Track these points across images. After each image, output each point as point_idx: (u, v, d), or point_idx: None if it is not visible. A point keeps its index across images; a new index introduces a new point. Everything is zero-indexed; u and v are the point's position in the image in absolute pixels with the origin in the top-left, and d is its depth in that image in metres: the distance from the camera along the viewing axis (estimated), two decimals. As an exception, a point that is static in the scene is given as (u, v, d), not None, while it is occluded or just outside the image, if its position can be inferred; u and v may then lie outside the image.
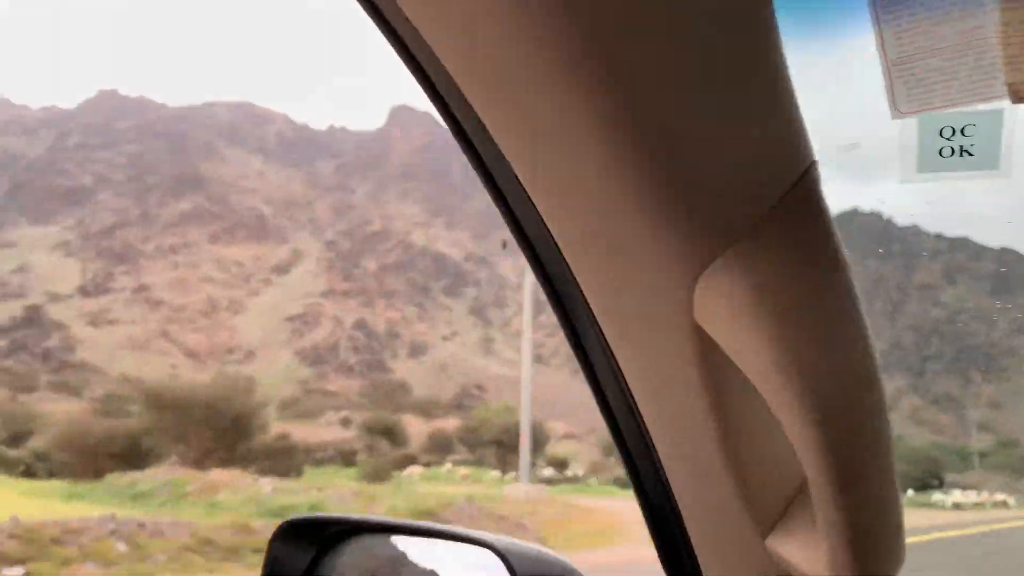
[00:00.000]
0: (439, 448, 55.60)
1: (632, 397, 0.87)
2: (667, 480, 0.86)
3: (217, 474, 21.90)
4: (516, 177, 0.75)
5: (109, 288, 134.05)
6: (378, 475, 33.72)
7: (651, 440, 0.88)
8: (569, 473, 50.74)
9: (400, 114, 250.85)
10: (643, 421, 0.88)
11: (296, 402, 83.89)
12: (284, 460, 37.10)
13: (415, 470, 44.22)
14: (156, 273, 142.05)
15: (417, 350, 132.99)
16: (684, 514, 0.85)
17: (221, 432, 33.69)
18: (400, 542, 1.30)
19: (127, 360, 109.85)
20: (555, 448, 62.71)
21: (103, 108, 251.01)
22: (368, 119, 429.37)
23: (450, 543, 1.20)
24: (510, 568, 0.96)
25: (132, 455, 28.08)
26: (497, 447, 47.73)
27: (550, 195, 0.75)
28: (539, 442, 48.09)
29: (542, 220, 0.77)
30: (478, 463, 49.95)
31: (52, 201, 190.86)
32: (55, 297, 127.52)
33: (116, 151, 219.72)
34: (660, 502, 0.88)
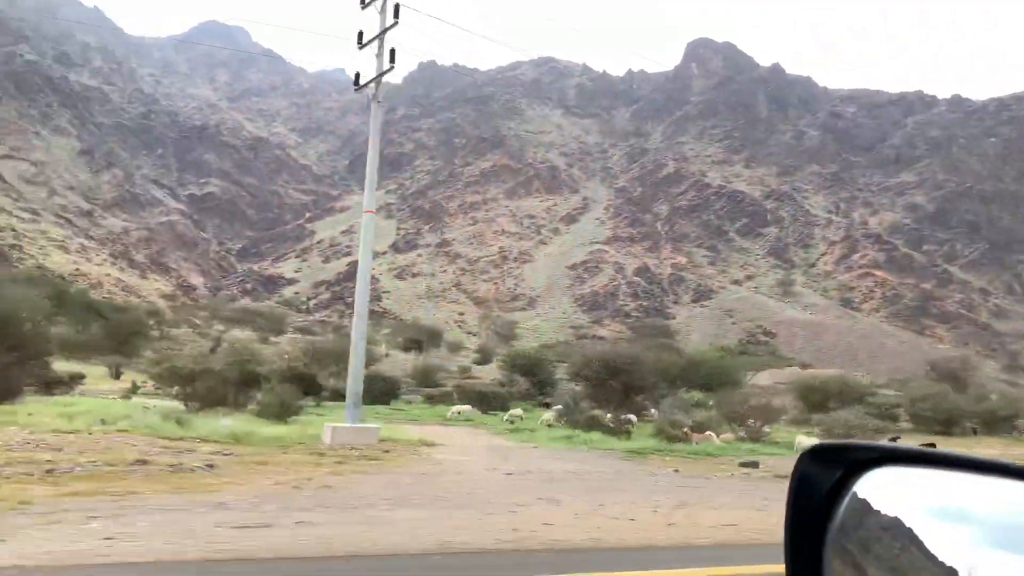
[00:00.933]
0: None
1: None
2: None
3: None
4: None
5: (416, 244, 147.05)
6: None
7: None
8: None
9: (697, 49, 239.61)
10: None
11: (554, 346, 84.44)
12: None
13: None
14: (457, 228, 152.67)
15: (702, 295, 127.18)
16: None
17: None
18: (937, 475, 1.28)
19: (422, 308, 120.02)
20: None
21: (424, 80, 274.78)
22: (666, 59, 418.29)
23: (999, 479, 1.15)
24: None
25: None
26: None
27: None
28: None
29: None
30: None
31: (381, 168, 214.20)
32: (373, 253, 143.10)
33: (434, 119, 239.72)
34: None
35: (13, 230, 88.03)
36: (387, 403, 42.32)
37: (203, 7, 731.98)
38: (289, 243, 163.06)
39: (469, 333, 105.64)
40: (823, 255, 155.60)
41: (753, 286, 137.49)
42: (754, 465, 20.49)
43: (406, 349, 75.83)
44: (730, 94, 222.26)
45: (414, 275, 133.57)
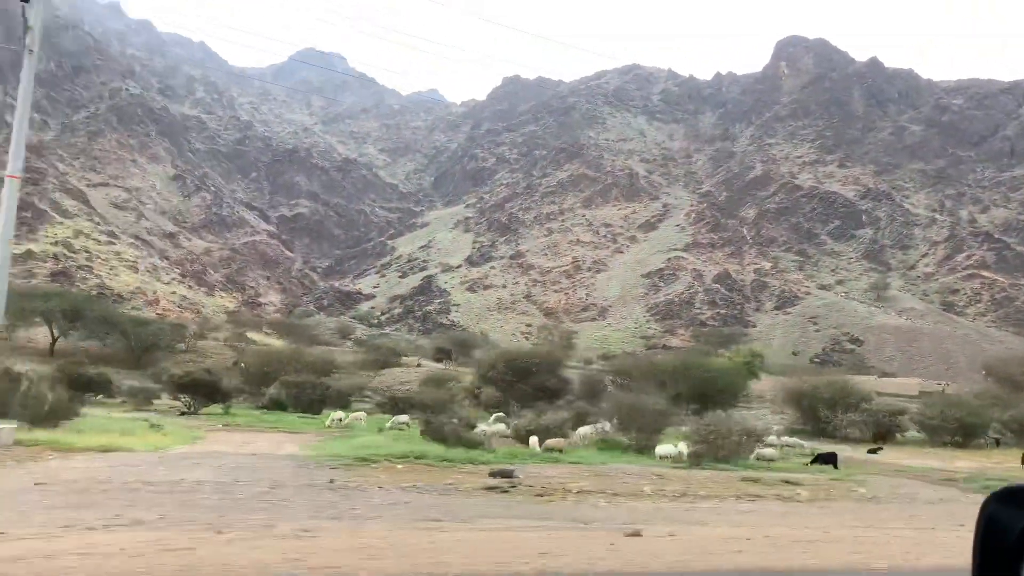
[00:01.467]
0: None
1: None
2: None
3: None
4: None
5: (491, 256, 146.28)
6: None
7: None
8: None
9: (786, 48, 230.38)
10: None
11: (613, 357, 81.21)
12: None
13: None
14: (532, 240, 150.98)
15: (786, 301, 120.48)
16: None
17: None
18: None
19: (491, 320, 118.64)
20: None
21: (508, 94, 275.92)
22: (754, 60, 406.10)
23: None
24: None
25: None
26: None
27: None
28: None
29: None
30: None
31: (463, 183, 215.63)
32: (447, 267, 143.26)
33: (517, 132, 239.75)
34: None
35: (87, 251, 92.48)
36: (318, 411, 40.73)
37: (301, 36, 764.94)
38: (371, 260, 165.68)
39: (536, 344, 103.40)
40: (924, 256, 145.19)
41: (843, 291, 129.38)
42: (507, 475, 17.25)
43: (436, 359, 74.58)
44: (822, 92, 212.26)
45: (485, 287, 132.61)
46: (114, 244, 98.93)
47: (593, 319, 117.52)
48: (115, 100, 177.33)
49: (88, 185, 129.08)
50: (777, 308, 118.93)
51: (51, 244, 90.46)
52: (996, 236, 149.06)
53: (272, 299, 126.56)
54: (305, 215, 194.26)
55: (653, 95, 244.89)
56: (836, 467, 27.98)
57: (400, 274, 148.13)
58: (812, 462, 28.72)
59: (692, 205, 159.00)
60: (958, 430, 39.55)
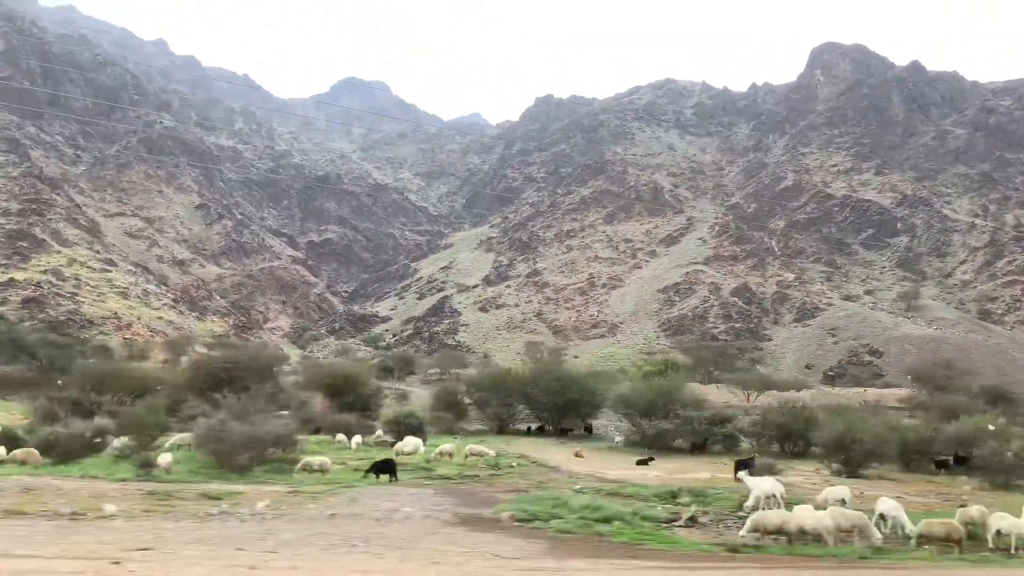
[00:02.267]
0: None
1: None
2: None
3: None
4: None
5: (508, 275, 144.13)
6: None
7: None
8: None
9: (822, 54, 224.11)
10: None
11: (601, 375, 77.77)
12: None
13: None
14: (550, 258, 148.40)
15: (806, 313, 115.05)
16: None
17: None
18: None
19: (498, 339, 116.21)
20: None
21: (540, 115, 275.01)
22: (790, 68, 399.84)
23: None
24: None
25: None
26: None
27: None
28: None
29: None
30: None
31: (490, 204, 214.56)
32: (463, 288, 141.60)
33: (547, 152, 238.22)
34: None
35: (77, 278, 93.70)
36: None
37: (342, 66, 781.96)
38: (394, 283, 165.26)
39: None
40: (962, 263, 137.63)
41: (872, 301, 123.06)
42: None
43: (424, 382, 72.58)
44: (860, 99, 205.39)
45: (497, 307, 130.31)
46: (109, 271, 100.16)
47: (602, 336, 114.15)
48: (147, 133, 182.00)
49: (105, 215, 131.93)
50: (796, 320, 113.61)
51: (40, 272, 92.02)
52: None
53: (282, 323, 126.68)
54: (333, 240, 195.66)
55: (686, 109, 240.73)
56: (395, 477, 26.44)
57: (418, 296, 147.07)
58: (367, 472, 26.77)
59: (717, 218, 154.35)
60: (784, 438, 38.20)
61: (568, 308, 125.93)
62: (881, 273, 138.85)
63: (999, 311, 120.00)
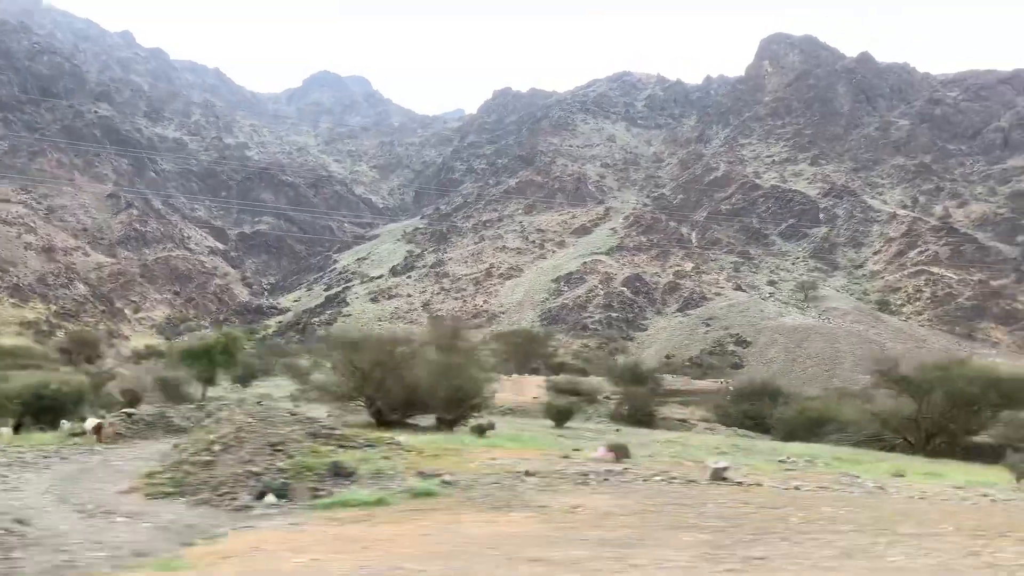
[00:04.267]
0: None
1: None
2: None
3: None
4: None
5: (413, 266, 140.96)
6: None
7: None
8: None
9: (771, 45, 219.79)
10: None
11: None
12: None
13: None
14: (460, 247, 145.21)
15: (691, 303, 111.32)
16: None
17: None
18: None
19: (375, 330, 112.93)
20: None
21: (497, 107, 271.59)
22: (741, 60, 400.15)
23: None
24: None
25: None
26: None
27: None
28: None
29: None
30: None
31: (433, 197, 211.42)
32: (365, 279, 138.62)
33: (498, 144, 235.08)
34: None
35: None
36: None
37: (322, 63, 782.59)
38: (313, 274, 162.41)
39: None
40: (876, 253, 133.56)
41: (769, 292, 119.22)
42: None
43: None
44: (806, 90, 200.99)
45: (389, 297, 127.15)
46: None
47: (478, 327, 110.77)
48: (75, 122, 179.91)
49: (3, 201, 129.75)
50: (680, 310, 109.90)
51: None
52: (963, 231, 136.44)
53: (157, 314, 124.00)
54: (264, 231, 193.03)
55: (637, 101, 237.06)
56: None
57: (326, 287, 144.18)
58: None
59: (635, 209, 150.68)
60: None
61: (456, 299, 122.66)
62: (793, 264, 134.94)
63: (899, 302, 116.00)
